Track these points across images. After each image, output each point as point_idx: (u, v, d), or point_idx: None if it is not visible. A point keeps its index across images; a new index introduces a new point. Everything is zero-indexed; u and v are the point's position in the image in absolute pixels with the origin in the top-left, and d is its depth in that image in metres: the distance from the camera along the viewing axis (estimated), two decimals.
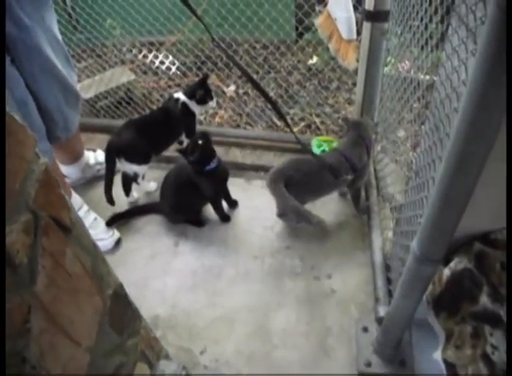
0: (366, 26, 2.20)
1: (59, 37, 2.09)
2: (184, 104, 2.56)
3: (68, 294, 0.91)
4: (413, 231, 1.27)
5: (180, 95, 2.58)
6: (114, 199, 2.46)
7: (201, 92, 2.56)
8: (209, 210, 2.49)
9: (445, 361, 1.40)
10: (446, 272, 1.41)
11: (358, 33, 2.21)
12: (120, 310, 1.18)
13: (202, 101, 2.60)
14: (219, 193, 2.43)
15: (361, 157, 2.23)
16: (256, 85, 1.85)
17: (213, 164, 2.25)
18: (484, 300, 1.31)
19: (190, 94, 2.58)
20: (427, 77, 1.81)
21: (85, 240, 0.99)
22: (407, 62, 2.14)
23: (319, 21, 2.28)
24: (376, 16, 2.16)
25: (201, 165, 2.23)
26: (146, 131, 2.44)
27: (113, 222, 2.43)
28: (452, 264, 1.40)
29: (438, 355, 1.45)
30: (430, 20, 1.52)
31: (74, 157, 2.62)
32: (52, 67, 2.03)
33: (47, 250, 0.82)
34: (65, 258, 0.89)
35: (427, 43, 1.62)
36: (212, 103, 2.67)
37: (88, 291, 0.99)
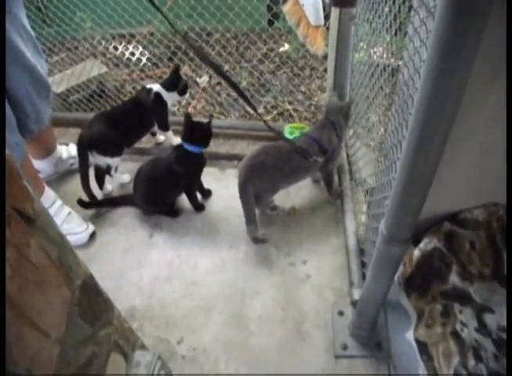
0: (334, 11, 2.20)
1: (28, 27, 2.06)
2: (157, 94, 2.55)
3: (34, 285, 0.90)
4: (383, 213, 1.28)
5: (153, 86, 2.57)
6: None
7: (183, 82, 2.61)
8: (183, 200, 2.48)
9: (417, 340, 1.42)
10: (416, 252, 1.42)
11: (327, 18, 2.21)
12: (91, 301, 1.18)
13: (183, 91, 2.64)
14: (196, 182, 2.43)
15: (330, 139, 2.24)
16: (226, 78, 1.84)
17: (196, 149, 2.27)
18: (454, 279, 1.33)
19: (170, 85, 2.58)
20: (395, 61, 1.82)
21: (51, 230, 0.99)
22: (378, 47, 2.15)
23: (286, 8, 2.28)
24: (344, 2, 2.15)
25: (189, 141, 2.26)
26: (117, 123, 2.42)
27: (88, 205, 2.43)
28: (421, 244, 1.41)
29: (410, 335, 1.47)
30: (394, 3, 1.53)
31: (47, 151, 2.59)
32: (21, 57, 2.00)
33: (10, 241, 0.81)
34: (29, 249, 0.88)
35: (391, 26, 1.63)
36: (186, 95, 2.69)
37: (55, 281, 0.99)
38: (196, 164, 2.34)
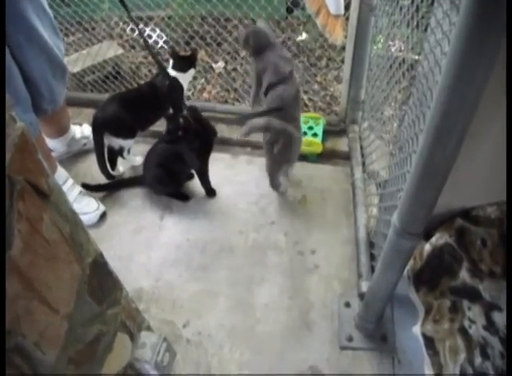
0: (354, 1, 2.18)
1: (47, 7, 2.05)
2: (174, 79, 2.54)
3: (45, 260, 0.91)
4: (396, 206, 1.27)
5: (169, 71, 2.56)
6: (97, 174, 2.48)
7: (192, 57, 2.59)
8: (194, 184, 2.49)
9: (424, 335, 1.41)
10: (427, 247, 1.42)
11: (347, 8, 2.19)
12: (100, 279, 1.18)
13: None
14: (206, 164, 2.41)
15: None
16: None
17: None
18: (464, 275, 1.32)
19: (184, 65, 2.56)
20: (415, 56, 1.80)
21: (64, 207, 0.99)
22: (396, 41, 2.13)
23: None
24: None
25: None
26: (131, 106, 2.41)
27: (94, 189, 2.44)
28: (433, 239, 1.41)
29: (417, 329, 1.47)
30: None
31: (61, 130, 2.60)
32: (39, 37, 1.99)
33: (23, 215, 0.82)
34: (42, 223, 0.88)
35: (412, 18, 1.61)
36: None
37: (66, 258, 0.99)
38: (200, 149, 2.34)
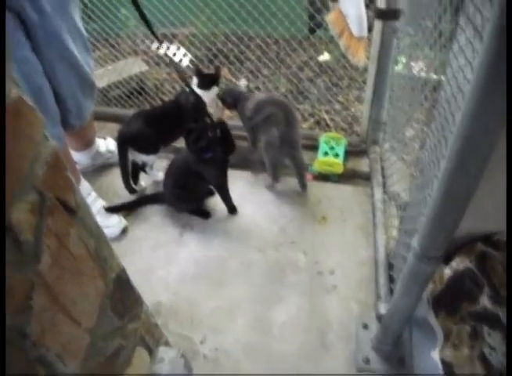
0: (377, 24, 2.20)
1: (81, 25, 2.09)
2: (197, 96, 2.57)
3: (71, 275, 0.93)
4: (416, 229, 1.28)
5: (194, 88, 2.59)
6: (120, 188, 2.52)
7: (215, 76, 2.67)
8: (215, 202, 2.51)
9: (443, 361, 1.40)
10: (447, 271, 1.41)
11: (370, 30, 2.21)
12: (122, 294, 1.20)
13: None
14: (225, 180, 2.41)
15: None
16: None
17: (209, 154, 2.26)
18: (485, 301, 1.32)
19: (208, 83, 2.63)
20: (436, 76, 1.81)
21: (90, 222, 1.01)
22: (419, 62, 2.14)
23: (330, 17, 2.29)
24: (388, 14, 2.15)
25: (200, 153, 2.25)
26: (155, 122, 2.46)
27: (116, 210, 2.46)
28: (453, 263, 1.40)
29: (435, 354, 1.46)
30: (440, 20, 1.52)
31: (86, 144, 2.64)
32: (70, 56, 2.03)
33: (52, 230, 0.84)
34: (69, 239, 0.90)
35: (435, 42, 1.62)
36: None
37: (91, 273, 1.01)
38: (215, 165, 2.34)
